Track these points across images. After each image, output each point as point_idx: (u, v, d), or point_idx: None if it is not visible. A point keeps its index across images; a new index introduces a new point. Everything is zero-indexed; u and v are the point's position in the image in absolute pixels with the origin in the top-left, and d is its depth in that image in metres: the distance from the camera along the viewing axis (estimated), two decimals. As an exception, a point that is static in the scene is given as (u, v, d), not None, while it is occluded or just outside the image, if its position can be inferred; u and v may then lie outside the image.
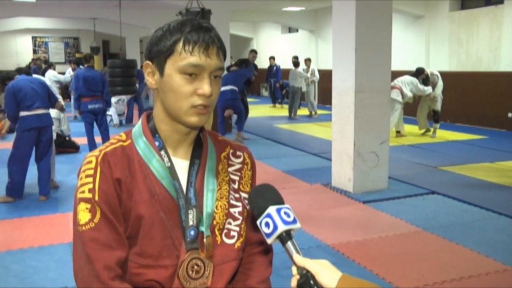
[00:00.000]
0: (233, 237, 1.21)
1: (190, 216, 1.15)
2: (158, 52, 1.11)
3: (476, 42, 10.57)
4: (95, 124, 7.57)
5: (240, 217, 1.23)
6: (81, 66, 10.87)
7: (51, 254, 3.93)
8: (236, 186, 1.26)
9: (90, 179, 1.11)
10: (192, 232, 1.15)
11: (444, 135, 9.21)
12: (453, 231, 4.31)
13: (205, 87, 1.09)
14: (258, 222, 1.02)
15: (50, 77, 12.34)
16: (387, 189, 5.68)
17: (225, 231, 1.21)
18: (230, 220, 1.21)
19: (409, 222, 4.59)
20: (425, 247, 4.02)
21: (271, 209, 1.01)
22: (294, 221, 1.00)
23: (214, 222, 1.19)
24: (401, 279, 3.42)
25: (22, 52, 20.39)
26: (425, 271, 3.53)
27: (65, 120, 8.26)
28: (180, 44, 1.08)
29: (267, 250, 1.32)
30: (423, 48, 11.97)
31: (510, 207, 4.91)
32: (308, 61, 13.19)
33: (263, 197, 1.04)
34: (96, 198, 1.09)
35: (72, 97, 8.02)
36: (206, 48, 1.08)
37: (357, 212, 4.95)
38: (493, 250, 3.86)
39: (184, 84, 1.09)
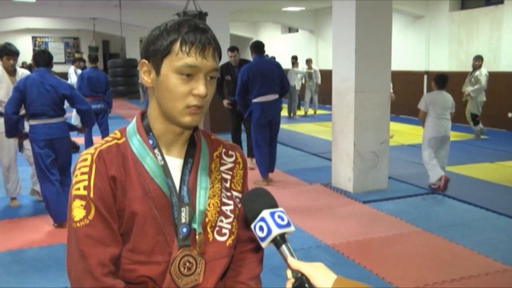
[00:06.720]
0: (224, 234, 1.22)
1: (183, 214, 1.16)
2: (154, 51, 1.11)
3: (476, 42, 10.55)
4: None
5: (232, 215, 1.24)
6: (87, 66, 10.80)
7: (51, 254, 3.94)
8: (228, 185, 1.27)
9: (86, 177, 1.11)
10: (185, 230, 1.16)
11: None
12: (453, 231, 4.31)
13: (200, 88, 1.10)
14: (252, 226, 1.02)
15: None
16: (387, 189, 5.67)
17: (217, 228, 1.22)
18: (222, 218, 1.23)
19: (409, 222, 4.59)
20: (425, 247, 4.02)
21: (265, 213, 1.00)
22: (288, 225, 1.00)
23: (206, 220, 1.20)
24: (401, 279, 3.42)
25: (22, 52, 20.18)
26: (425, 271, 3.53)
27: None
28: (177, 44, 1.09)
29: (258, 247, 1.32)
30: (423, 48, 11.95)
31: (510, 207, 4.90)
32: (309, 62, 13.14)
33: (257, 201, 1.04)
34: (91, 195, 1.10)
35: None
36: (202, 49, 1.09)
37: (357, 212, 4.95)
38: (493, 250, 3.86)
39: (180, 84, 1.10)
